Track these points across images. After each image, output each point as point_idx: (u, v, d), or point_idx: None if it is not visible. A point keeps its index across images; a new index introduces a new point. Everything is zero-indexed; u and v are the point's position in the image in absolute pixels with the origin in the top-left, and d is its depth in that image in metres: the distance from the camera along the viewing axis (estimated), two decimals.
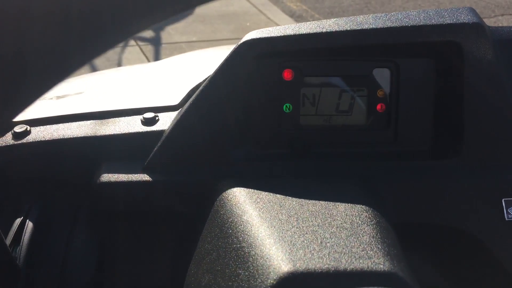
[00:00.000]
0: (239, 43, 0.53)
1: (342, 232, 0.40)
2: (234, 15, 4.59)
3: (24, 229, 0.52)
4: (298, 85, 0.56)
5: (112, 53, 3.84)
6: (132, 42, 4.04)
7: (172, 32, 4.24)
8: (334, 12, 4.59)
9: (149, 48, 4.03)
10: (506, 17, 4.44)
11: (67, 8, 0.22)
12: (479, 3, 4.78)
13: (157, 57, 3.94)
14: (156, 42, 4.10)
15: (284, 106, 0.57)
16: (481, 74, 0.53)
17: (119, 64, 3.62)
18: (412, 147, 0.57)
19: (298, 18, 4.49)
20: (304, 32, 0.53)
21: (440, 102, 0.56)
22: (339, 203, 0.44)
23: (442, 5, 4.73)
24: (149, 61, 3.78)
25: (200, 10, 4.60)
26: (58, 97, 0.69)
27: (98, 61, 3.70)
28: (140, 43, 4.01)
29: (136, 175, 0.54)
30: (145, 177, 0.54)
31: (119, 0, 0.22)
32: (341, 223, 0.41)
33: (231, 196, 0.47)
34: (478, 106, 0.54)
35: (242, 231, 0.41)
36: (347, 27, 0.53)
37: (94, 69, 3.62)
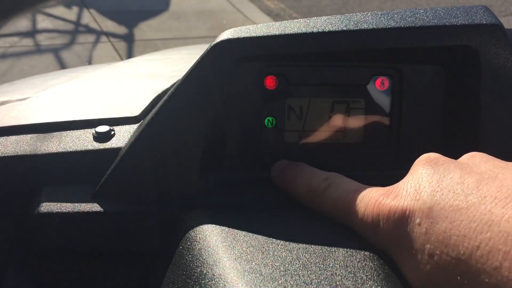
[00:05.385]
0: (213, 44, 0.43)
1: None
2: (210, 12, 4.48)
3: None
4: (283, 95, 0.47)
5: (82, 50, 3.70)
6: (104, 39, 3.91)
7: (146, 29, 4.12)
8: (312, 12, 4.54)
9: (121, 45, 3.89)
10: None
11: None
12: (464, 3, 4.79)
13: (130, 55, 3.82)
14: (129, 39, 3.97)
15: (266, 120, 0.48)
16: (501, 84, 0.44)
17: (89, 62, 3.49)
18: None
19: (275, 16, 4.42)
20: (292, 32, 0.43)
21: (451, 117, 0.48)
22: (336, 248, 0.35)
23: (419, 6, 4.72)
24: (121, 58, 3.65)
25: (175, 7, 4.48)
26: None
27: (67, 58, 3.55)
28: (112, 39, 3.88)
29: (84, 204, 0.44)
30: (95, 206, 0.44)
31: None
32: (340, 279, 0.32)
33: (200, 236, 0.37)
34: (496, 121, 0.45)
35: None
36: (343, 26, 0.44)
37: (63, 66, 3.46)
